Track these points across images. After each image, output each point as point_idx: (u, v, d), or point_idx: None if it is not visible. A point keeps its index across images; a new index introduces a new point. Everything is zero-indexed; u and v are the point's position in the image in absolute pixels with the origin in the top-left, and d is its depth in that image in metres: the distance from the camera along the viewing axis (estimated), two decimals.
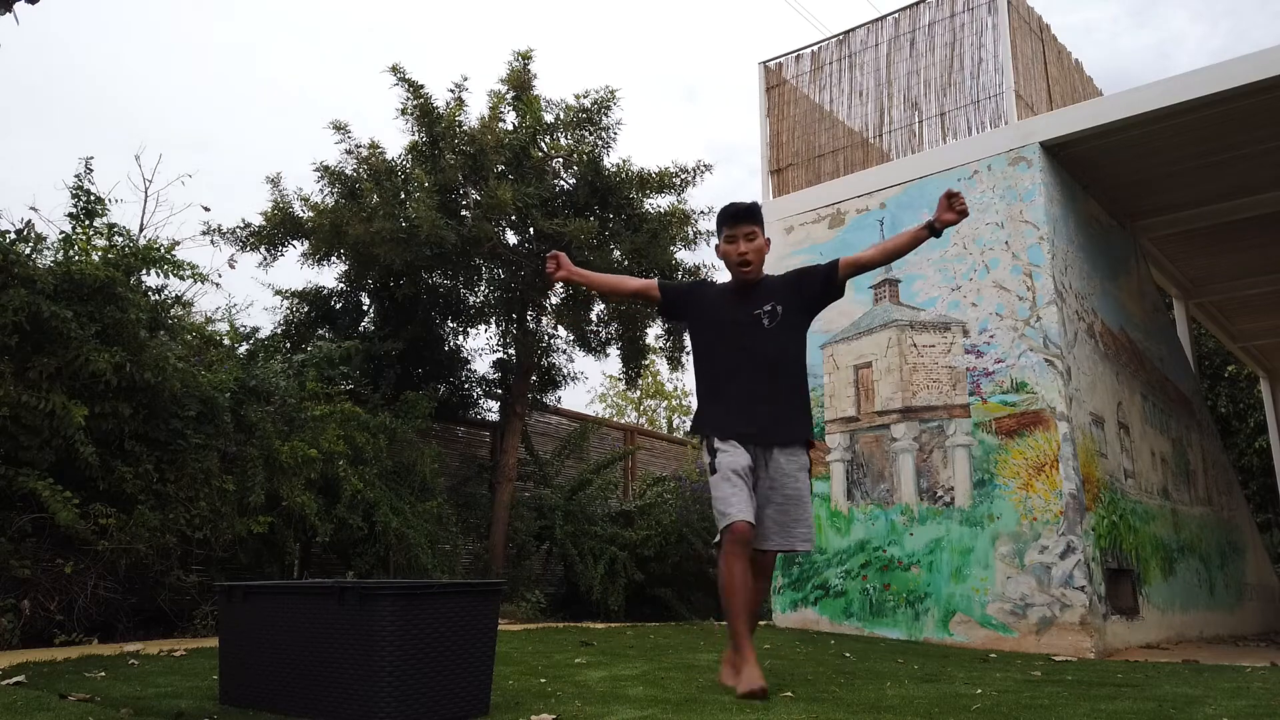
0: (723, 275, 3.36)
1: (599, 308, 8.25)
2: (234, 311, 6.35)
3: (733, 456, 2.99)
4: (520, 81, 7.57)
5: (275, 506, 5.32)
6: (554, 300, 8.16)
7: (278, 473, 5.30)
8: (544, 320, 8.24)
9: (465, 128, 7.31)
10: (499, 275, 7.89)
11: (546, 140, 7.63)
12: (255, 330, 6.83)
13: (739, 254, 3.12)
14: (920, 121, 6.71)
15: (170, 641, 4.45)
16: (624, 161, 7.72)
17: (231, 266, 6.59)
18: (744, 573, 2.89)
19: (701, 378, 3.21)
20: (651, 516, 8.00)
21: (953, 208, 2.95)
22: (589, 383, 24.10)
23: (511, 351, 8.35)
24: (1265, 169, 6.76)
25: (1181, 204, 7.40)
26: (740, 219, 3.15)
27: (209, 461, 4.97)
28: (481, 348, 9.79)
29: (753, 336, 3.09)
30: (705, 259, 21.80)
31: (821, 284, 3.14)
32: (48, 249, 4.72)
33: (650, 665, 3.66)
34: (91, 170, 4.96)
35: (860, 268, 3.16)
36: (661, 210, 7.76)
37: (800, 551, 3.00)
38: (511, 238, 7.71)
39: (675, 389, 20.00)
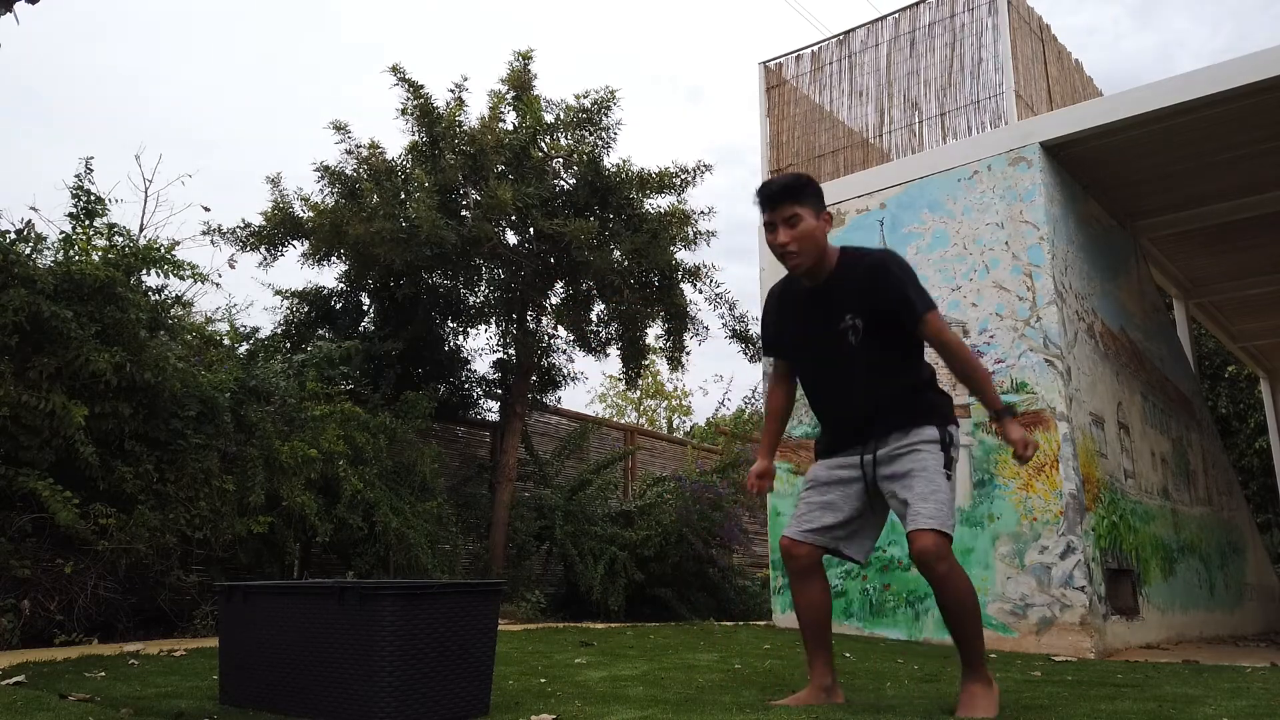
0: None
1: (599, 307, 8.26)
2: (234, 311, 6.37)
3: (815, 467, 2.71)
4: (520, 81, 7.57)
5: (275, 506, 5.32)
6: (554, 300, 8.17)
7: (278, 473, 5.31)
8: (544, 320, 8.24)
9: (465, 128, 7.32)
10: (499, 275, 7.89)
11: (546, 140, 7.63)
12: (255, 330, 6.84)
13: (778, 245, 2.59)
14: (920, 121, 6.71)
15: (170, 641, 4.45)
16: (624, 161, 7.72)
17: (231, 266, 6.60)
18: (802, 592, 2.65)
19: (809, 401, 2.79)
20: (651, 516, 8.00)
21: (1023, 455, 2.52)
22: (589, 383, 24.14)
23: (511, 351, 8.35)
24: (1265, 169, 6.76)
25: (1181, 204, 7.39)
26: (777, 200, 2.60)
27: (209, 461, 4.97)
28: (481, 348, 9.80)
29: (836, 352, 2.61)
30: (705, 259, 21.86)
31: (899, 316, 2.59)
32: (48, 249, 4.72)
33: (650, 665, 3.66)
34: (91, 170, 4.97)
35: (943, 348, 2.59)
36: (661, 210, 7.76)
37: (926, 530, 2.40)
38: (511, 238, 7.71)
39: (675, 389, 20.01)
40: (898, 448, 2.54)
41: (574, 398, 47.66)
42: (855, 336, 2.58)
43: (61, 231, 4.84)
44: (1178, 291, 9.69)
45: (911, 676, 3.50)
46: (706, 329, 8.37)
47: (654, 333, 8.39)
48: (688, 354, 8.41)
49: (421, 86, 7.28)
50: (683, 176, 7.79)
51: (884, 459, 2.56)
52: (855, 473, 2.63)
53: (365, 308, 8.09)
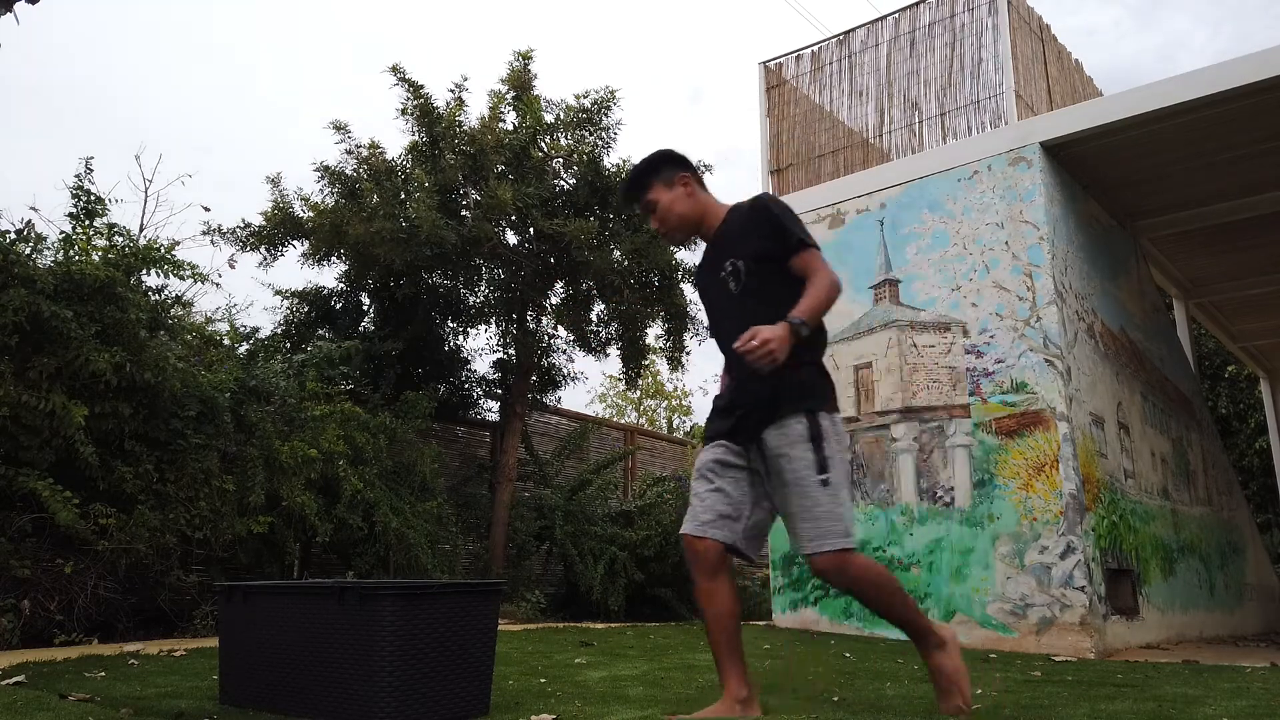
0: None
1: (599, 308, 8.26)
2: (234, 311, 6.37)
3: (702, 454, 2.51)
4: (520, 81, 7.58)
5: (275, 506, 5.32)
6: (554, 300, 8.17)
7: (278, 473, 5.31)
8: (544, 320, 8.25)
9: (465, 128, 7.32)
10: (499, 275, 7.90)
11: (546, 140, 7.64)
12: (255, 330, 6.84)
13: (655, 231, 2.65)
14: (920, 121, 6.71)
15: (170, 641, 4.45)
16: (624, 161, 7.73)
17: (231, 266, 6.61)
18: (710, 593, 2.40)
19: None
20: (651, 516, 8.00)
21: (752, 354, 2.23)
22: (589, 383, 24.13)
23: (511, 351, 8.35)
24: (1265, 169, 6.76)
25: (1181, 204, 7.40)
26: (628, 202, 2.73)
27: (209, 461, 4.97)
28: (481, 348, 9.81)
29: (724, 305, 2.51)
30: None
31: (776, 250, 2.43)
32: (48, 249, 4.72)
33: (650, 665, 3.66)
34: (92, 170, 4.97)
35: (808, 283, 2.38)
36: None
37: (810, 556, 2.31)
38: (511, 238, 7.71)
39: (675, 389, 20.02)
40: (773, 449, 2.35)
41: (574, 398, 47.65)
42: (736, 283, 2.45)
43: (61, 231, 4.85)
44: (1178, 291, 9.68)
45: (911, 676, 3.50)
46: (707, 329, 8.38)
47: (654, 333, 8.40)
48: (688, 354, 8.43)
49: (421, 86, 7.28)
50: None
51: (769, 449, 2.36)
52: (743, 462, 2.45)
53: (365, 308, 8.09)
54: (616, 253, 7.54)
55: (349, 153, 7.41)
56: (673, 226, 2.59)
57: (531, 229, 7.48)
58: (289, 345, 7.41)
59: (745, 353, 2.19)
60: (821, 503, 2.29)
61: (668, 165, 2.62)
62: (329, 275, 10.29)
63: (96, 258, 4.75)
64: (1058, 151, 6.11)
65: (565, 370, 8.64)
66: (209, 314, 6.28)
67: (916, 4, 6.87)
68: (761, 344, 2.17)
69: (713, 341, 2.64)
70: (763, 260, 2.43)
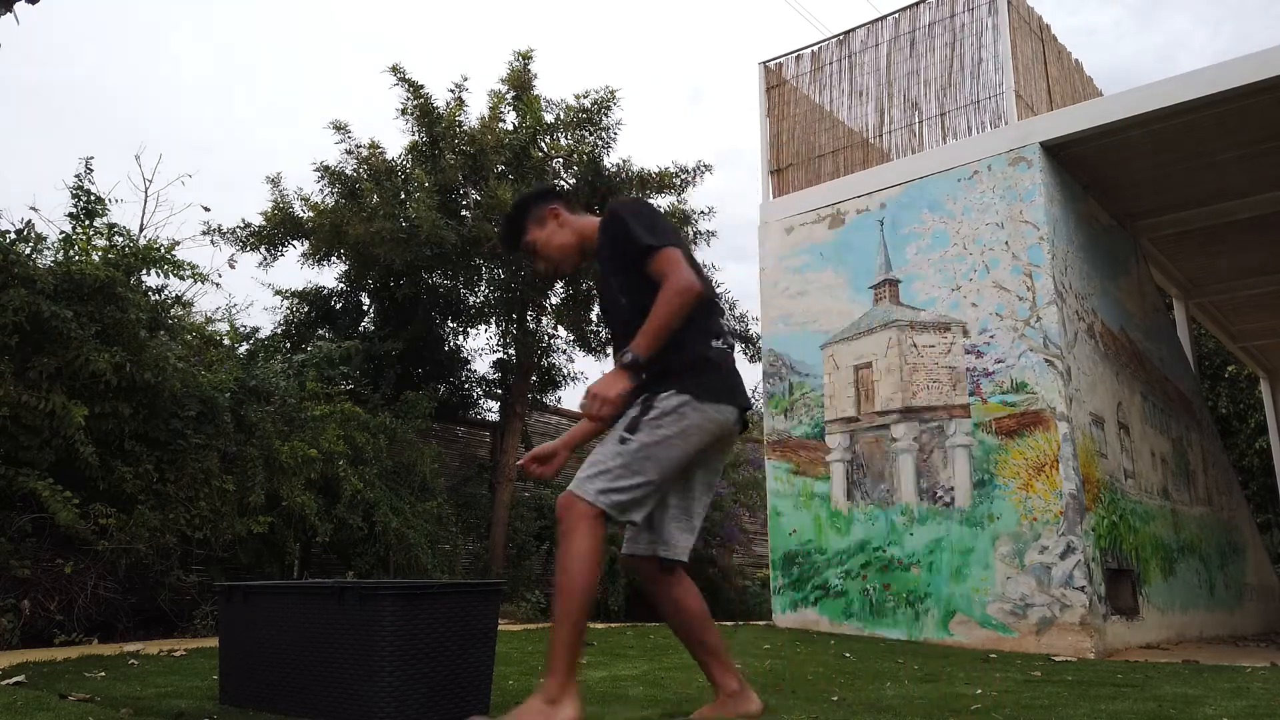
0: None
1: (599, 307, 8.26)
2: (234, 311, 6.38)
3: None
4: (520, 81, 7.58)
5: (275, 506, 5.32)
6: (554, 300, 8.17)
7: (278, 473, 5.31)
8: (544, 320, 8.25)
9: (465, 128, 7.32)
10: (499, 275, 7.90)
11: (547, 140, 7.64)
12: (255, 330, 6.86)
13: (542, 272, 2.69)
14: (920, 121, 6.71)
15: (170, 641, 4.45)
16: (624, 162, 7.73)
17: (231, 266, 6.61)
18: (659, 606, 2.45)
19: None
20: None
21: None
22: (589, 383, 24.16)
23: (511, 351, 8.35)
24: (1265, 169, 6.76)
25: (1181, 204, 7.39)
26: (510, 250, 2.66)
27: (209, 461, 4.98)
28: (481, 348, 9.81)
29: (617, 322, 2.46)
30: (705, 259, 21.80)
31: (632, 253, 2.31)
32: (48, 249, 4.73)
33: (650, 665, 3.66)
34: (92, 170, 4.97)
35: (660, 289, 2.25)
36: (662, 210, 7.76)
37: (567, 490, 2.20)
38: None
39: None
40: None
41: (574, 398, 47.62)
42: (624, 297, 2.39)
43: (61, 231, 4.85)
44: (1178, 291, 9.68)
45: (911, 676, 3.50)
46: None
47: None
48: None
49: (421, 86, 7.28)
50: (683, 177, 7.79)
51: None
52: None
53: (365, 308, 8.09)
54: None
55: (349, 153, 7.42)
56: (557, 260, 2.54)
57: None
58: (289, 345, 7.42)
59: (587, 416, 2.16)
60: (605, 454, 2.19)
61: (534, 203, 2.58)
62: (329, 275, 10.29)
63: (96, 258, 4.75)
64: (1058, 151, 6.11)
65: (565, 370, 8.65)
66: (209, 314, 6.30)
67: (916, 4, 6.86)
68: (596, 404, 2.14)
69: None
70: (630, 270, 2.34)
